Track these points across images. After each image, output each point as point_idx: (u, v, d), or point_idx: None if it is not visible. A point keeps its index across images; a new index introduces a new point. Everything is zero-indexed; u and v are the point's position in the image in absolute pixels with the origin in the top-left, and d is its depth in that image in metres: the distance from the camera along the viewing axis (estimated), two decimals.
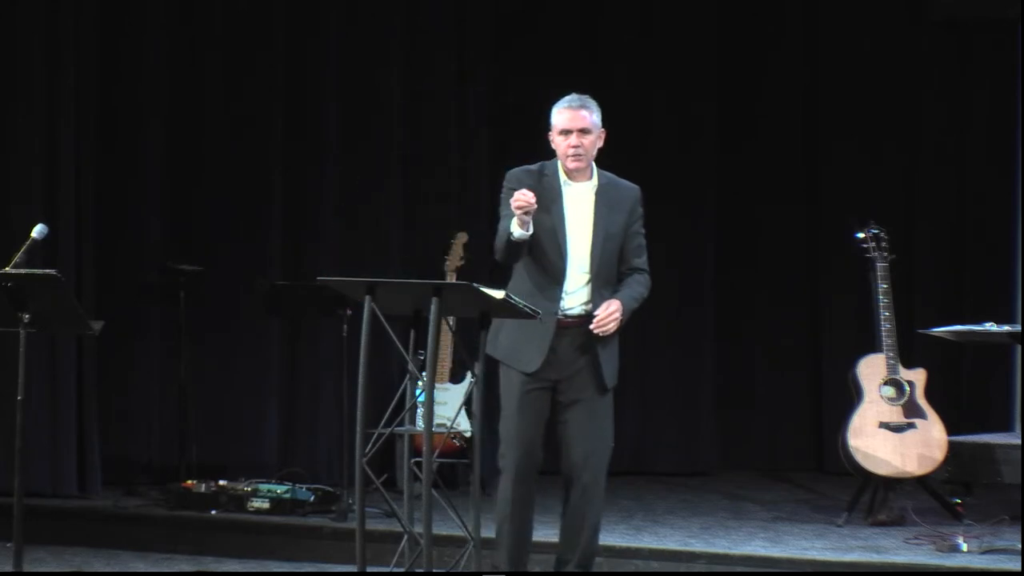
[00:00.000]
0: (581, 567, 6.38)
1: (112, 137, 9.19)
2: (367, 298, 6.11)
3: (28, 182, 8.80)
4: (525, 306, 6.05)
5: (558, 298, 6.25)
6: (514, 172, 6.36)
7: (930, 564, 7.19)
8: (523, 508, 6.38)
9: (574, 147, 6.25)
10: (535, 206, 6.05)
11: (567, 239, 6.25)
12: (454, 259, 9.06)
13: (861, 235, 8.31)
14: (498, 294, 6.01)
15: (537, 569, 6.84)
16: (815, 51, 10.36)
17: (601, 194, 6.32)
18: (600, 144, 6.34)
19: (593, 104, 6.32)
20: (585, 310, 6.26)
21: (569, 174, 6.29)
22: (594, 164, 6.36)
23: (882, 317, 8.15)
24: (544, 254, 6.23)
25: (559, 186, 6.29)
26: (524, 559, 6.43)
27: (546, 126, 6.37)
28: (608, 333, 6.22)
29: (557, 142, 6.31)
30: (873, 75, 10.16)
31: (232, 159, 9.43)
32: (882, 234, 8.28)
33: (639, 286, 6.36)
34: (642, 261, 6.40)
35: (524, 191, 6.05)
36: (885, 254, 8.24)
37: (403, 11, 9.75)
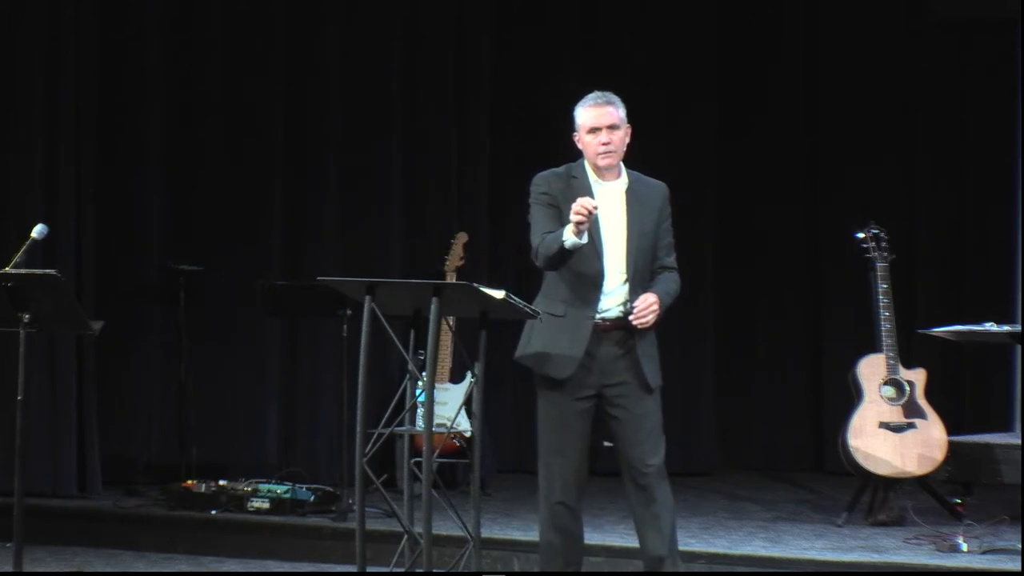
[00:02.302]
0: (675, 567, 6.22)
1: (112, 137, 9.19)
2: (367, 298, 6.11)
3: (29, 182, 8.80)
4: (525, 306, 6.03)
5: (596, 301, 6.09)
6: (542, 176, 6.19)
7: (930, 564, 7.19)
8: (572, 536, 6.18)
9: (604, 144, 6.09)
10: (595, 215, 5.88)
11: (602, 240, 6.09)
12: (454, 259, 9.06)
13: (861, 235, 8.30)
14: (498, 294, 6.00)
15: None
16: (815, 51, 10.37)
17: (631, 193, 6.18)
18: (627, 140, 6.20)
19: (618, 100, 6.16)
20: (622, 311, 6.11)
21: (599, 174, 6.14)
22: (621, 162, 6.20)
23: (882, 317, 8.15)
24: (581, 257, 6.03)
25: (589, 187, 6.12)
26: None
27: (570, 127, 6.22)
28: (646, 325, 6.05)
29: (586, 141, 6.13)
30: (873, 75, 10.16)
31: (232, 159, 9.43)
32: (882, 234, 8.27)
33: (671, 283, 6.22)
34: (672, 260, 6.27)
35: (588, 199, 5.87)
36: (885, 254, 8.24)
37: (403, 11, 9.76)
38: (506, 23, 10.16)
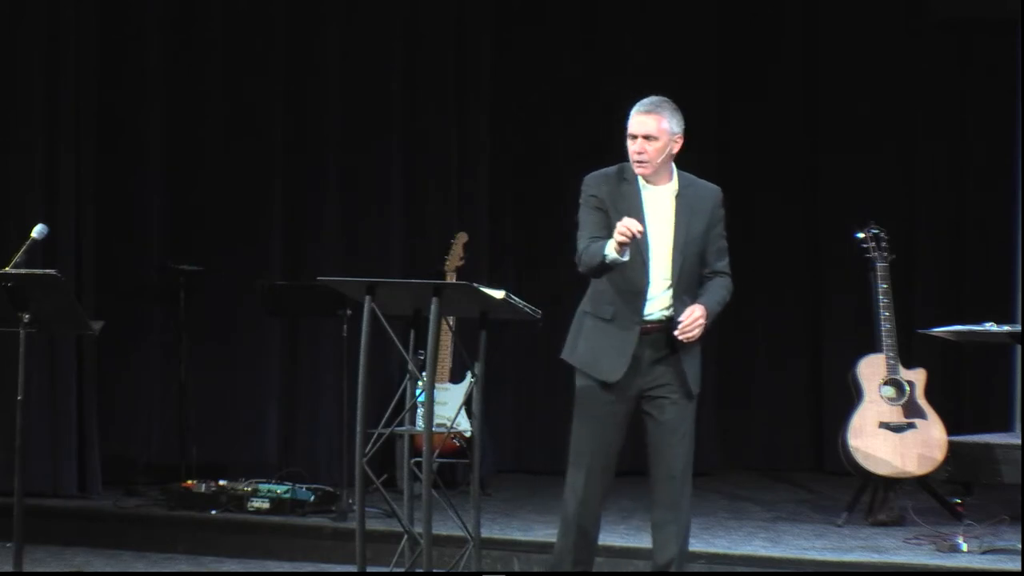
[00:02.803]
0: (680, 568, 6.26)
1: (112, 137, 9.19)
2: (367, 298, 6.11)
3: (29, 182, 8.80)
4: (525, 306, 6.03)
5: (641, 305, 6.04)
6: (593, 177, 6.14)
7: (930, 564, 7.19)
8: (586, 537, 6.18)
9: (638, 153, 6.04)
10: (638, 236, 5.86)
11: (648, 245, 6.02)
12: (454, 259, 9.06)
13: (861, 235, 8.31)
14: (498, 294, 6.01)
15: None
16: (815, 51, 10.36)
17: (681, 197, 6.13)
18: (676, 149, 6.13)
19: (667, 108, 6.12)
20: (666, 315, 6.05)
21: (648, 178, 6.09)
22: (674, 166, 6.16)
23: (882, 317, 8.15)
24: (627, 261, 5.96)
25: (638, 190, 6.07)
26: None
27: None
28: (692, 340, 6.03)
29: (627, 146, 6.10)
30: (873, 75, 10.15)
31: (232, 159, 9.43)
32: (882, 234, 8.27)
33: (722, 290, 6.20)
34: (724, 264, 6.25)
35: (634, 222, 5.84)
36: (885, 254, 8.24)
37: (403, 11, 9.75)
38: (506, 23, 10.15)
